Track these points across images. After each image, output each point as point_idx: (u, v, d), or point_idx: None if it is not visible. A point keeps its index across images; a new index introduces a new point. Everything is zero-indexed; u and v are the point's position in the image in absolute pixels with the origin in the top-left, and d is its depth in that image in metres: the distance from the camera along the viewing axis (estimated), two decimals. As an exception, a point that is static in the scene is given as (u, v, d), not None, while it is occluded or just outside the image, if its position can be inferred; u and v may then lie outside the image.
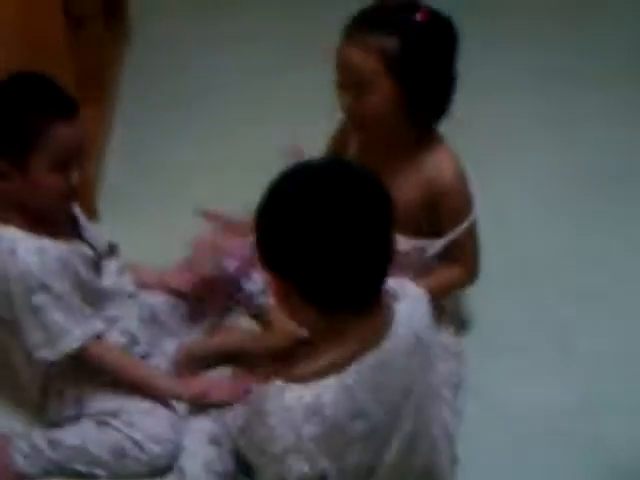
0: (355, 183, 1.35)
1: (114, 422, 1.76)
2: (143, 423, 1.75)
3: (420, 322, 1.49)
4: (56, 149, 1.65)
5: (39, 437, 1.78)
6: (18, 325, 1.73)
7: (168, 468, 1.76)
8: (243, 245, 1.94)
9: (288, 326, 1.98)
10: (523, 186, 2.54)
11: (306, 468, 1.41)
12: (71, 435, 1.77)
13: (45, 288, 1.69)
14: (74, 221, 1.84)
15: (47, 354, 1.73)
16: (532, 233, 2.37)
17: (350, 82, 1.70)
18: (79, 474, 1.76)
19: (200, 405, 1.79)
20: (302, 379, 1.39)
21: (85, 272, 1.78)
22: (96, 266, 1.83)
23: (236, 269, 2.00)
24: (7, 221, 1.71)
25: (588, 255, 2.30)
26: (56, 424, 1.82)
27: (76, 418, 1.81)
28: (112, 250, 1.90)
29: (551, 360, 2.01)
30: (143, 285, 2.00)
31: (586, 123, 2.82)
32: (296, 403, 1.37)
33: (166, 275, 2.06)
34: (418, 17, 1.68)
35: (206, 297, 2.03)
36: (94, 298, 1.81)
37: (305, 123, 2.46)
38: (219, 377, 1.89)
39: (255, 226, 1.40)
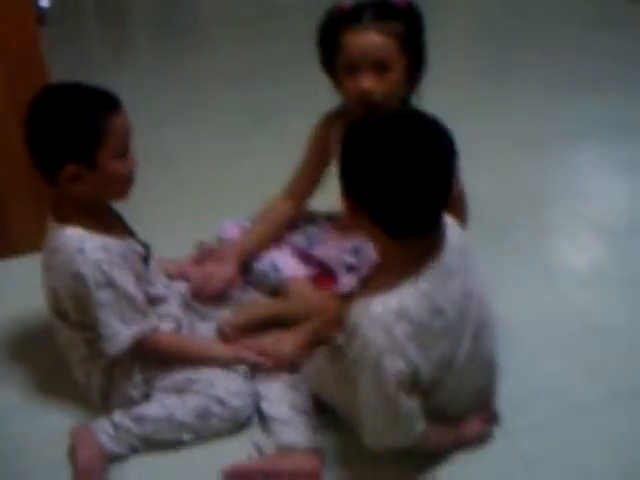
0: (426, 125, 1.58)
1: (194, 387, 1.88)
2: (221, 382, 1.89)
3: (461, 236, 1.74)
4: (116, 139, 1.79)
5: (121, 417, 1.87)
6: (89, 318, 1.84)
7: (247, 422, 1.89)
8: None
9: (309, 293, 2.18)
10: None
11: (402, 365, 1.60)
12: (154, 408, 1.87)
13: (111, 284, 1.81)
14: (121, 219, 1.98)
15: (114, 348, 1.85)
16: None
17: (371, 64, 1.95)
18: (166, 443, 1.87)
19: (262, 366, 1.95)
20: (382, 291, 1.60)
21: (139, 267, 1.91)
22: (145, 261, 1.96)
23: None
24: (72, 222, 1.83)
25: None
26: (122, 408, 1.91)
27: (145, 397, 1.92)
28: (147, 247, 2.01)
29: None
30: (168, 276, 2.12)
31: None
32: (383, 309, 1.58)
33: (183, 266, 2.21)
34: (402, 4, 2.00)
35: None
36: (147, 291, 1.94)
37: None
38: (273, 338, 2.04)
39: (340, 158, 1.61)
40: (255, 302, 2.20)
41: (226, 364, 1.93)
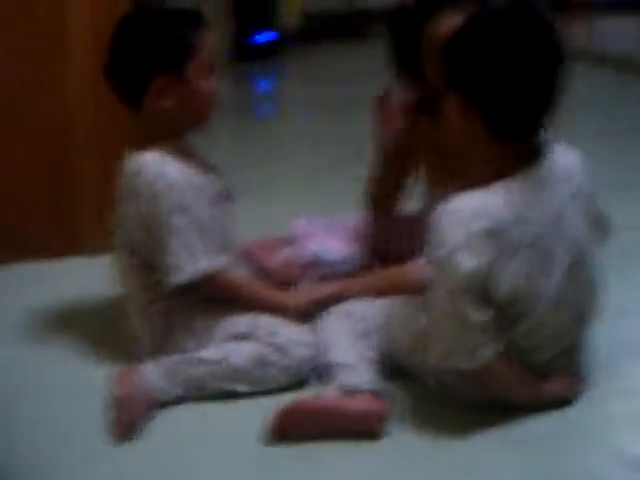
0: (541, 22, 1.55)
1: (255, 333, 1.75)
2: (284, 331, 1.76)
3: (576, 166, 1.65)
4: (204, 54, 1.80)
5: (171, 359, 1.74)
6: (155, 249, 1.77)
7: (307, 377, 1.75)
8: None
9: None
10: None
11: (475, 262, 1.50)
12: (210, 351, 1.74)
13: (185, 210, 1.75)
14: (202, 156, 1.91)
15: (182, 277, 1.75)
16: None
17: None
18: (218, 394, 1.72)
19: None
20: (470, 189, 1.54)
21: (216, 208, 1.84)
22: (225, 201, 1.89)
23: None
24: (151, 148, 1.79)
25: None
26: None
27: (205, 347, 1.78)
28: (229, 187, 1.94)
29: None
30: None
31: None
32: (464, 205, 1.53)
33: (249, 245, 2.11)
34: None
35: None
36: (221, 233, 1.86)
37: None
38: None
39: (450, 53, 1.56)
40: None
41: (300, 313, 1.82)
